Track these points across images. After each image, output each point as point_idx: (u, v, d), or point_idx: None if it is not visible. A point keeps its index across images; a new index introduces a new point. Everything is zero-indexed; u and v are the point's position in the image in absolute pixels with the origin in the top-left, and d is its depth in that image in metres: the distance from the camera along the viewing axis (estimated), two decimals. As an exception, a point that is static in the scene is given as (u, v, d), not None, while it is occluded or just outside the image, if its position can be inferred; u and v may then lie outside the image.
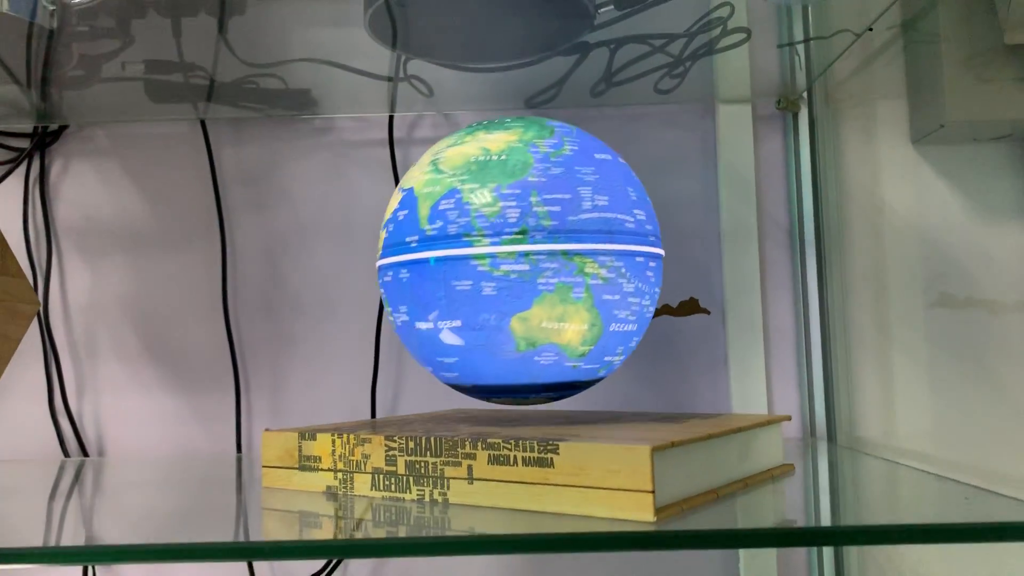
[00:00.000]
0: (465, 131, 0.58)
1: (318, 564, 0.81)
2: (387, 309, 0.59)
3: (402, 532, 0.46)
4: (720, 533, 0.39)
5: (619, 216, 0.54)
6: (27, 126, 0.84)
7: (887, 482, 0.55)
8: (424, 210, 0.54)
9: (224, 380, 0.84)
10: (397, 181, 0.84)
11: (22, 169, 0.85)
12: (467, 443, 0.47)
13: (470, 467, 0.47)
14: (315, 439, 0.54)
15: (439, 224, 0.53)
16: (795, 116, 0.81)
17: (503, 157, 0.54)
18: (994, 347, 0.80)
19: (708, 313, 0.82)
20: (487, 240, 0.52)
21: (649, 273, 0.56)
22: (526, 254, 0.51)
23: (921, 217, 0.82)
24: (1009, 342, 0.80)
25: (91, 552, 0.42)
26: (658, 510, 0.42)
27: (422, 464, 0.49)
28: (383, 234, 0.58)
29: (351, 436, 0.52)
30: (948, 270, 0.81)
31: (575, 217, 0.52)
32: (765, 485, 0.52)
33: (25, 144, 0.85)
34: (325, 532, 0.43)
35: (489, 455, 0.46)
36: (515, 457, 0.46)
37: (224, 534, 0.46)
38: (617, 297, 0.54)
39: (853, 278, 0.81)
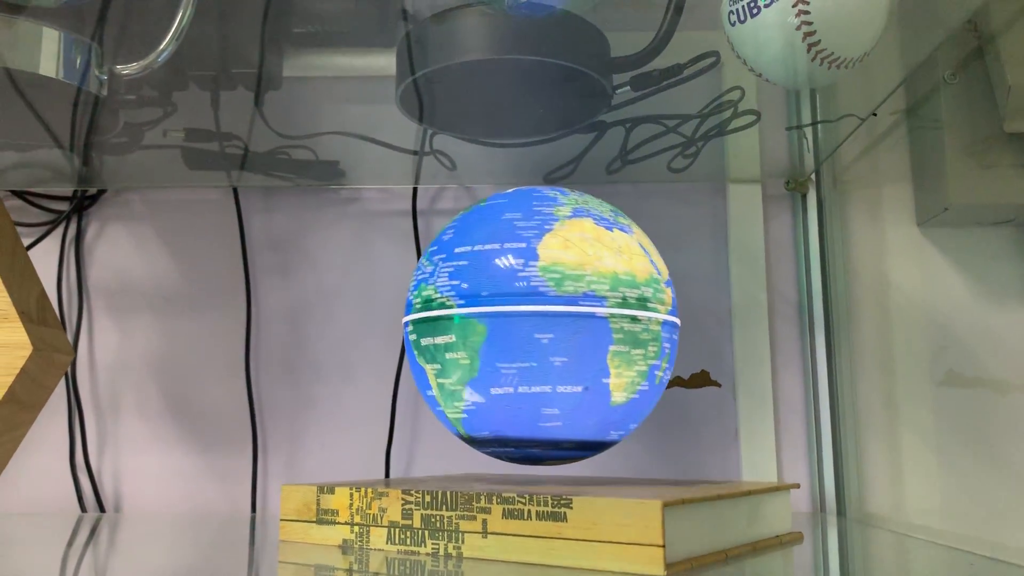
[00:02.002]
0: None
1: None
2: None
3: (416, 585, 0.47)
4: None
5: None
6: (67, 189, 0.88)
7: (895, 551, 0.56)
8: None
9: (242, 440, 0.85)
10: (419, 250, 0.87)
11: (59, 230, 0.89)
12: (483, 497, 0.49)
13: (485, 521, 0.48)
14: (333, 492, 0.55)
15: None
16: (803, 197, 0.84)
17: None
18: (1001, 425, 0.81)
19: (719, 386, 0.84)
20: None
21: None
22: None
23: (927, 297, 0.84)
24: (1016, 421, 0.81)
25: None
26: (668, 565, 0.43)
27: (437, 518, 0.50)
28: None
29: (369, 490, 0.54)
30: (955, 349, 0.83)
31: None
32: (774, 550, 0.53)
33: (64, 207, 0.89)
34: (343, 578, 0.44)
35: (504, 509, 0.48)
36: (529, 511, 0.47)
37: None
38: None
39: (861, 354, 0.83)
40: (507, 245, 0.55)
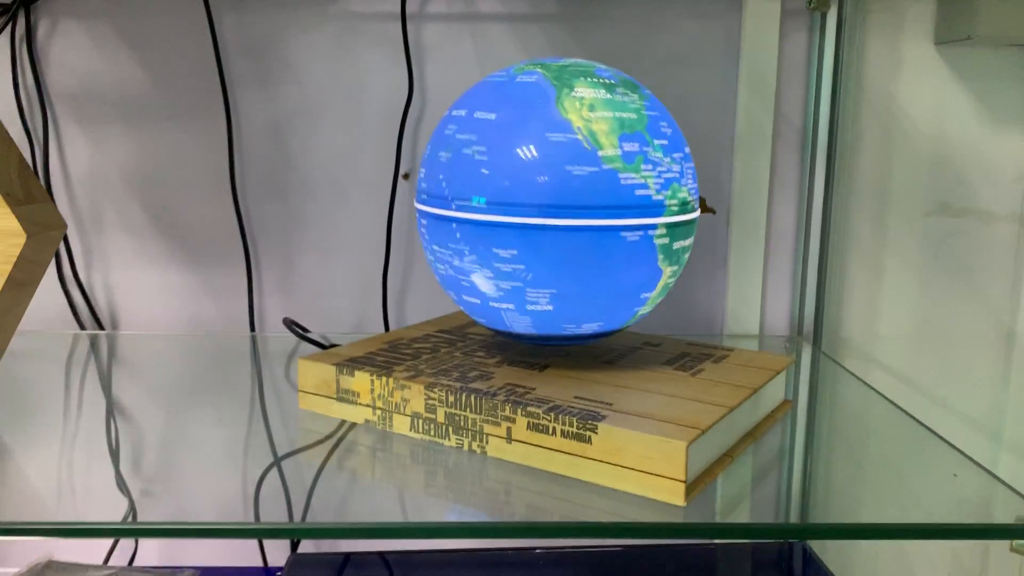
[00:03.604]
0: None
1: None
2: None
3: (440, 476, 0.51)
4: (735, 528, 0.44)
5: (421, 174, 0.55)
6: (7, -20, 0.78)
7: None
8: None
9: (234, 256, 0.84)
10: (408, 59, 0.80)
11: (6, 32, 0.80)
12: (507, 407, 0.51)
13: (509, 429, 0.51)
14: (353, 375, 0.57)
15: None
16: (823, 16, 0.79)
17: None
18: (980, 256, 0.84)
19: (714, 213, 0.84)
20: None
21: (422, 230, 0.59)
22: None
23: (933, 120, 0.82)
24: (995, 251, 0.84)
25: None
26: (688, 493, 0.46)
27: (461, 417, 0.53)
28: None
29: (390, 380, 0.55)
30: (951, 179, 0.83)
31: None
32: (769, 429, 0.57)
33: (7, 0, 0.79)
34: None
35: (528, 422, 0.50)
36: (554, 428, 0.49)
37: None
38: None
39: (859, 182, 0.83)
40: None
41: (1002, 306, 0.84)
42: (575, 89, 0.54)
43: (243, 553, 0.86)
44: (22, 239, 0.53)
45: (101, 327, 0.85)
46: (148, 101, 0.82)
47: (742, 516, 0.46)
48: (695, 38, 0.81)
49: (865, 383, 0.69)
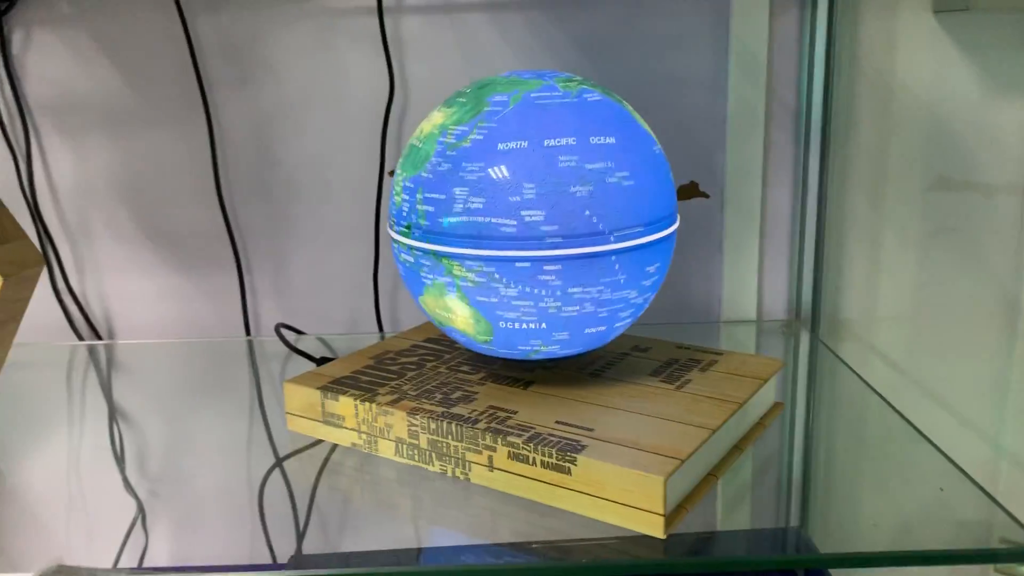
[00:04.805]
0: (455, 94, 0.56)
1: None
2: None
3: (427, 501, 0.51)
4: (726, 561, 0.44)
5: (493, 220, 0.50)
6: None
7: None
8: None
9: (224, 260, 0.84)
10: (388, 53, 0.79)
11: (-20, 42, 0.79)
12: (487, 436, 0.50)
13: (491, 457, 0.51)
14: (338, 400, 0.57)
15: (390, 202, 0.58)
16: (815, -9, 0.76)
17: (420, 144, 0.54)
18: (982, 229, 0.82)
19: (708, 197, 0.82)
20: (395, 228, 0.56)
21: (547, 277, 0.51)
22: (411, 248, 0.54)
23: (934, 93, 0.79)
24: (997, 223, 0.82)
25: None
26: (667, 523, 0.46)
27: (444, 444, 0.53)
28: None
29: (373, 405, 0.55)
30: (952, 151, 0.80)
31: (444, 220, 0.52)
32: (758, 437, 0.57)
33: (-22, 11, 0.78)
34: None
35: (509, 451, 0.50)
36: (534, 458, 0.49)
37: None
38: (495, 300, 0.52)
39: (856, 161, 0.81)
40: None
41: (1006, 282, 0.83)
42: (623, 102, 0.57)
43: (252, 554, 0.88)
44: (-3, 282, 0.53)
45: (98, 336, 0.85)
46: (128, 107, 0.81)
47: (725, 543, 0.46)
48: (683, 20, 0.78)
49: (861, 378, 0.68)
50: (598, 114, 0.53)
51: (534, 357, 0.56)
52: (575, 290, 0.52)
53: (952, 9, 0.75)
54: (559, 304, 0.52)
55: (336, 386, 0.58)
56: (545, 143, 0.50)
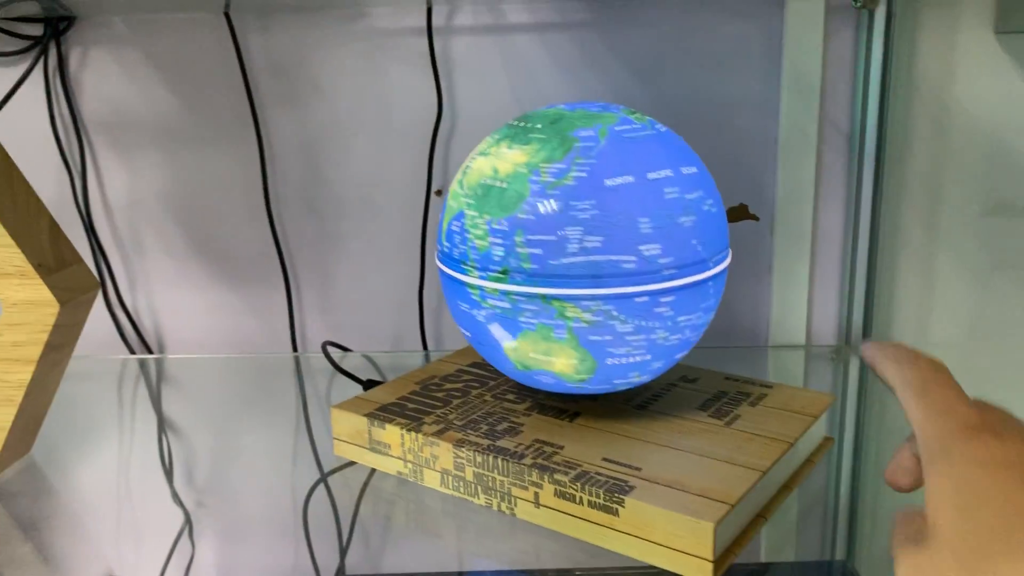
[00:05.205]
0: (501, 134, 0.55)
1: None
2: None
3: (471, 535, 0.51)
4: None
5: (613, 258, 0.49)
6: (36, 12, 0.78)
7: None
8: (445, 223, 0.55)
9: (272, 277, 0.85)
10: (436, 74, 0.79)
11: (40, 63, 0.80)
12: (534, 472, 0.50)
13: (537, 494, 0.50)
14: (384, 428, 0.57)
15: (448, 246, 0.55)
16: (871, 13, 0.74)
17: (504, 185, 0.51)
18: (1042, 256, 0.80)
19: (757, 220, 0.81)
20: (477, 273, 0.52)
21: (662, 309, 0.51)
22: (507, 293, 0.51)
23: (994, 115, 0.77)
24: (1058, 251, 0.79)
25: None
26: (715, 562, 0.45)
27: (489, 478, 0.52)
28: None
29: (419, 435, 0.55)
30: (1012, 176, 0.78)
31: (557, 261, 0.49)
32: (807, 474, 0.56)
33: (38, 31, 0.79)
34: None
35: (555, 489, 0.50)
36: (581, 498, 0.49)
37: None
38: (610, 337, 0.51)
39: (910, 184, 0.79)
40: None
41: (1065, 308, 0.80)
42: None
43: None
44: (56, 309, 0.54)
45: (148, 349, 0.87)
46: (180, 125, 0.82)
47: (773, 591, 0.46)
48: (735, 40, 0.77)
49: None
50: (675, 144, 0.53)
51: (621, 388, 0.56)
52: (682, 319, 0.52)
53: (1015, 30, 0.73)
54: (667, 334, 0.52)
55: (382, 413, 0.58)
56: (648, 176, 0.50)
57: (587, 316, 0.50)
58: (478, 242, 0.52)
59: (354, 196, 0.83)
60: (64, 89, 0.81)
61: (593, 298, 0.50)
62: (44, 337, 0.55)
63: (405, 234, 0.83)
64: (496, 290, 0.51)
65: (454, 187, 0.55)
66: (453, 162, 0.81)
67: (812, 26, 0.75)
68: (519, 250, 0.50)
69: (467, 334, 0.56)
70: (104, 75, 0.81)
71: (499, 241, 0.51)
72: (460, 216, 0.53)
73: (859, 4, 0.74)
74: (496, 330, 0.53)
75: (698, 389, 0.62)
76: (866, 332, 0.80)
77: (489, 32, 0.78)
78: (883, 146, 0.77)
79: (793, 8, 0.75)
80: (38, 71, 0.80)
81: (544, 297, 0.50)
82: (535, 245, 0.50)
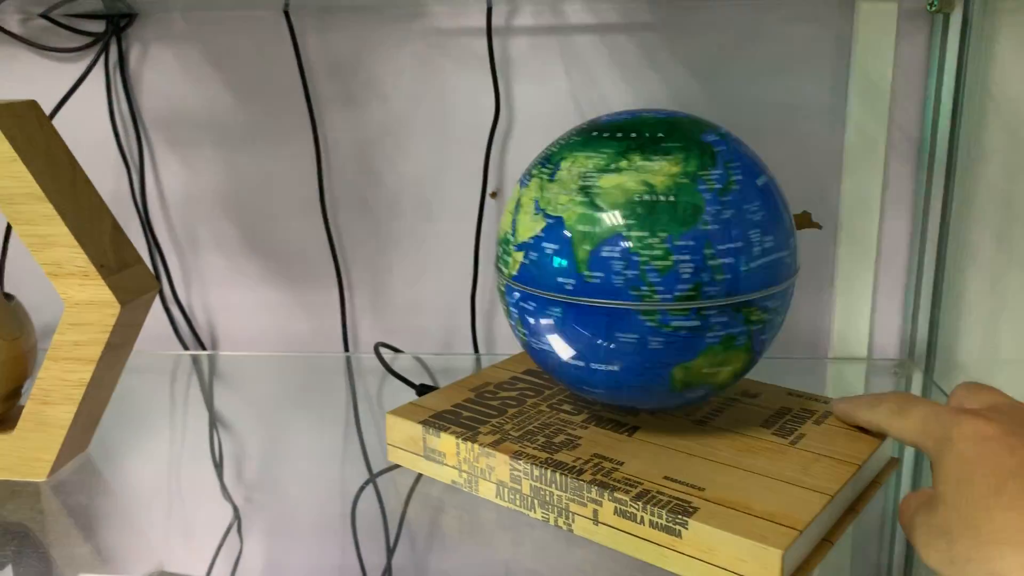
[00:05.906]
0: (615, 150, 0.51)
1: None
2: (514, 322, 0.56)
3: (527, 548, 0.50)
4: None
5: (781, 255, 0.52)
6: (98, 9, 0.79)
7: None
8: (582, 253, 0.50)
9: (325, 276, 0.85)
10: (495, 75, 0.78)
11: (100, 60, 0.81)
12: (593, 489, 0.49)
13: (596, 511, 0.49)
14: (439, 436, 0.56)
15: (602, 274, 0.49)
16: (946, 17, 0.72)
17: (671, 199, 0.49)
18: (1120, 273, 0.76)
19: (820, 228, 0.79)
20: (658, 297, 0.49)
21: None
22: (699, 310, 0.49)
23: (1069, 125, 0.74)
24: None
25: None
26: (781, 592, 0.44)
27: (547, 492, 0.51)
28: (517, 255, 0.53)
29: (475, 445, 0.54)
30: (1088, 188, 0.75)
31: (747, 267, 0.49)
32: (873, 498, 0.54)
33: (99, 28, 0.80)
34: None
35: (615, 507, 0.48)
36: (642, 517, 0.47)
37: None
38: (768, 333, 0.54)
39: (982, 195, 0.76)
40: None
41: None
42: None
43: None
44: (116, 309, 0.54)
45: (202, 345, 0.87)
46: (237, 122, 0.82)
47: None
48: (802, 44, 0.75)
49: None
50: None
51: None
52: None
53: (1098, 37, 0.70)
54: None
55: (438, 421, 0.58)
56: (768, 175, 0.54)
57: (764, 316, 0.51)
58: (657, 263, 0.48)
59: (409, 197, 0.82)
60: (124, 85, 0.81)
61: (770, 296, 0.51)
62: (104, 337, 0.55)
63: (459, 236, 0.82)
64: (686, 310, 0.49)
65: (577, 210, 0.50)
66: (509, 164, 0.80)
67: (884, 30, 0.72)
68: (709, 263, 0.49)
69: (608, 367, 0.51)
70: (163, 72, 0.81)
71: (686, 258, 0.48)
72: (614, 240, 0.49)
73: (934, 8, 0.71)
74: (668, 354, 0.50)
75: (760, 404, 0.60)
76: (931, 346, 0.78)
77: (549, 32, 0.77)
78: (954, 155, 0.75)
79: (864, 12, 0.72)
80: (99, 67, 0.81)
81: (734, 307, 0.50)
82: (725, 255, 0.49)
